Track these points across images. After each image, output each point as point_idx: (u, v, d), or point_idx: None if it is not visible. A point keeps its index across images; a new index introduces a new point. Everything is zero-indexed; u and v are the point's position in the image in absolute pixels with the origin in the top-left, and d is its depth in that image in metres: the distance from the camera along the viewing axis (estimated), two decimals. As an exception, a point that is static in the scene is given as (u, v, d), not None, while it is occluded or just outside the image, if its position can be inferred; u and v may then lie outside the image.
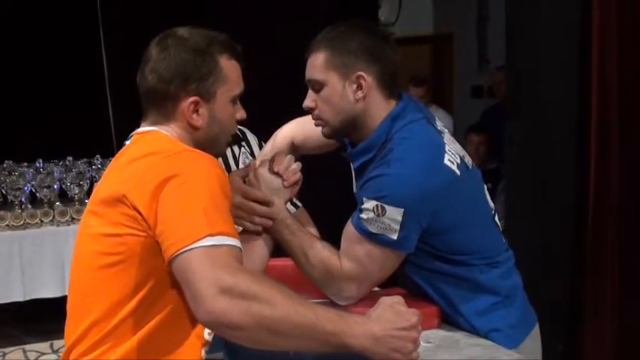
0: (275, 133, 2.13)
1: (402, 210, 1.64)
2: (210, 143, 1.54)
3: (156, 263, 1.36)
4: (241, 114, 1.60)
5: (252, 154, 2.38)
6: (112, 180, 1.47)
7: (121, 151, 1.58)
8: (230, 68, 1.54)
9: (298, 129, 2.08)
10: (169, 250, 1.30)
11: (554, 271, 3.22)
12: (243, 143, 2.40)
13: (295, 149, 2.08)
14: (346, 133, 1.81)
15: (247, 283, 1.25)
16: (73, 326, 1.47)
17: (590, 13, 3.10)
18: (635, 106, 3.10)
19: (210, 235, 1.28)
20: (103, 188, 1.49)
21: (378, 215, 1.65)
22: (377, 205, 1.65)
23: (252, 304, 1.23)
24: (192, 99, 1.50)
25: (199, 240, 1.27)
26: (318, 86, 1.76)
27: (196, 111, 1.51)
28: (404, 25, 6.17)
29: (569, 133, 3.23)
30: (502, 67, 4.92)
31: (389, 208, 1.65)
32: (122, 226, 1.39)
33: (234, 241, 1.32)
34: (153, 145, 1.47)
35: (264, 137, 2.37)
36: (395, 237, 1.66)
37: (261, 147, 2.38)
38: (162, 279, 1.39)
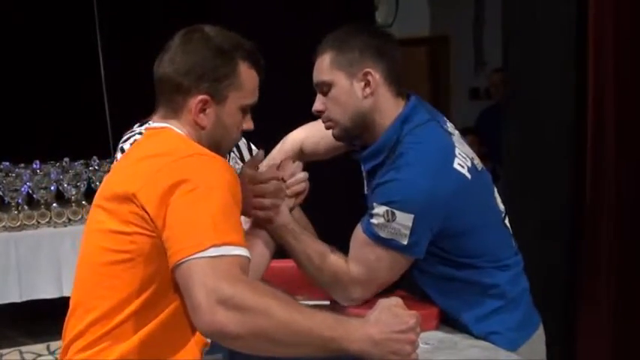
0: (284, 138, 2.12)
1: (412, 216, 1.64)
2: (213, 146, 1.52)
3: (163, 264, 1.35)
4: (248, 125, 1.58)
5: (242, 158, 2.37)
6: (122, 176, 1.46)
7: (133, 145, 1.58)
8: (248, 77, 1.53)
9: (308, 134, 2.07)
10: (174, 257, 1.30)
11: (550, 271, 3.23)
12: (233, 147, 2.39)
13: (304, 155, 2.06)
14: (357, 133, 1.79)
15: (245, 293, 1.25)
16: (74, 322, 1.46)
17: (586, 14, 3.11)
18: (632, 107, 3.10)
19: (216, 245, 1.28)
20: (113, 184, 1.47)
21: (389, 221, 1.65)
22: (387, 211, 1.65)
23: (249, 315, 1.24)
24: (201, 97, 1.49)
25: (204, 250, 1.27)
26: (327, 88, 1.75)
27: (203, 110, 1.50)
28: (401, 27, 6.16)
29: (565, 134, 3.24)
30: (500, 69, 4.93)
31: (399, 214, 1.64)
32: (131, 225, 1.38)
33: (241, 251, 1.31)
34: (165, 145, 1.47)
35: (263, 142, 2.37)
36: (405, 242, 1.66)
37: (250, 150, 2.37)
38: (166, 280, 1.38)
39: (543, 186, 3.26)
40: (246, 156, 2.36)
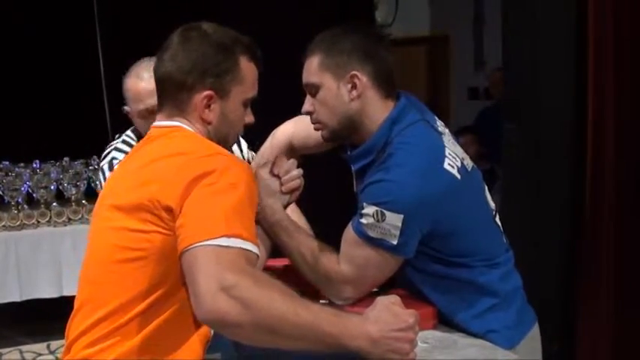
0: (274, 131, 2.12)
1: (402, 216, 1.64)
2: (220, 141, 1.53)
3: (175, 263, 1.36)
4: (250, 118, 1.61)
5: (240, 151, 2.39)
6: (138, 177, 1.46)
7: (140, 143, 1.58)
8: (248, 70, 1.56)
9: (298, 127, 2.05)
10: (184, 242, 1.31)
11: (550, 271, 3.23)
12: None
13: (294, 148, 2.06)
14: (345, 135, 1.80)
15: (248, 283, 1.25)
16: (80, 319, 1.46)
17: (586, 14, 3.11)
18: (632, 107, 3.10)
19: (227, 235, 1.29)
20: (128, 184, 1.47)
21: (378, 221, 1.65)
22: (377, 211, 1.65)
23: (251, 305, 1.24)
24: (206, 93, 1.51)
25: (215, 238, 1.28)
26: (315, 89, 1.76)
27: (208, 106, 1.52)
28: (400, 27, 6.17)
29: (565, 134, 3.24)
30: (500, 68, 4.92)
31: (389, 214, 1.64)
32: (149, 224, 1.39)
33: (251, 246, 1.32)
34: (181, 145, 1.47)
35: (259, 139, 2.37)
36: (395, 242, 1.66)
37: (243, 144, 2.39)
38: (177, 279, 1.38)
39: (543, 186, 3.26)
40: (244, 150, 2.38)
